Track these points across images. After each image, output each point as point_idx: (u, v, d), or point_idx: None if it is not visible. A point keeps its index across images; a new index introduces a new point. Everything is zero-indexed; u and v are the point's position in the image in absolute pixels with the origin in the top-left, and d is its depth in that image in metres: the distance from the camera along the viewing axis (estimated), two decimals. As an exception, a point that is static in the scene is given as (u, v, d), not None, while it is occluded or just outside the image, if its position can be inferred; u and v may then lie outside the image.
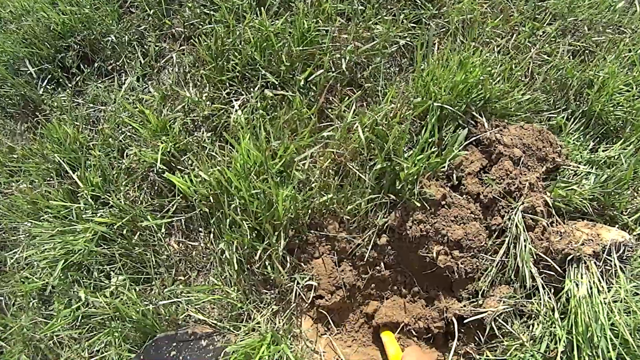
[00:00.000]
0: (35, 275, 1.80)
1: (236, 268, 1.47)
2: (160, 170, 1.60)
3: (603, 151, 1.64)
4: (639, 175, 1.63)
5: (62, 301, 1.75)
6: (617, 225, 1.57)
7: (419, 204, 1.41)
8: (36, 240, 1.78)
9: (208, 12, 1.80)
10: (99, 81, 1.93)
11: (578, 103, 1.68)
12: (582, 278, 1.38)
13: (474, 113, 1.53)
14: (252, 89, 1.62)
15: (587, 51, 1.76)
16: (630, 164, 1.56)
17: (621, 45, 1.77)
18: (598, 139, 1.69)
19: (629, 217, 1.56)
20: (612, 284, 1.41)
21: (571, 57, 1.73)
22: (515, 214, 1.45)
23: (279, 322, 1.52)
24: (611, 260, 1.42)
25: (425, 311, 1.55)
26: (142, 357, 1.51)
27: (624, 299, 1.38)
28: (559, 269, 1.41)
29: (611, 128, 1.68)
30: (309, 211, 1.48)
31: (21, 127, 2.07)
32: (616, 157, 1.60)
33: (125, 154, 1.72)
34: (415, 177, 1.45)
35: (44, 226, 1.77)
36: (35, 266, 1.82)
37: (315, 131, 1.53)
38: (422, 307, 1.57)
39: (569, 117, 1.68)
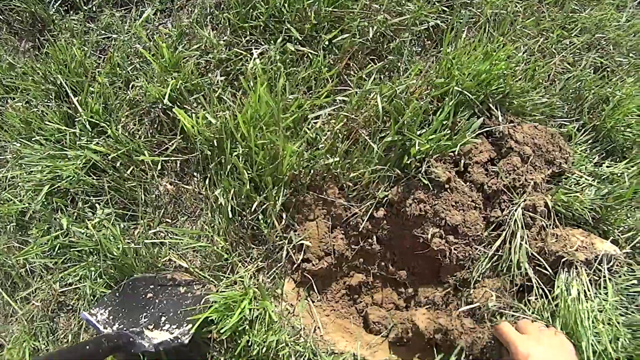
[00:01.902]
0: (17, 197, 1.74)
1: (230, 216, 1.43)
2: (166, 106, 1.55)
3: (607, 167, 1.65)
4: (636, 197, 1.65)
5: (41, 227, 1.70)
6: (609, 240, 1.59)
7: (425, 182, 1.39)
8: (24, 161, 1.71)
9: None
10: (115, 10, 1.86)
11: (591, 117, 1.69)
12: (573, 282, 1.39)
13: (491, 105, 1.52)
14: (273, 42, 1.58)
15: (608, 69, 1.77)
16: (633, 183, 1.57)
17: (643, 70, 1.79)
18: (604, 154, 1.70)
19: (622, 235, 1.57)
20: (598, 294, 1.43)
21: (592, 71, 1.74)
22: (516, 209, 1.45)
23: (262, 280, 1.49)
24: (601, 271, 1.43)
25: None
26: (117, 294, 1.47)
27: (608, 309, 1.39)
28: (549, 271, 1.42)
29: (618, 147, 1.69)
30: (311, 172, 1.46)
31: (25, 45, 1.99)
32: (619, 174, 1.61)
33: (131, 86, 1.67)
34: (424, 155, 1.43)
35: (35, 148, 1.71)
36: (18, 187, 1.75)
37: (332, 93, 1.50)
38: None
39: (580, 128, 1.68)
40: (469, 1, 1.71)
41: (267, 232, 1.44)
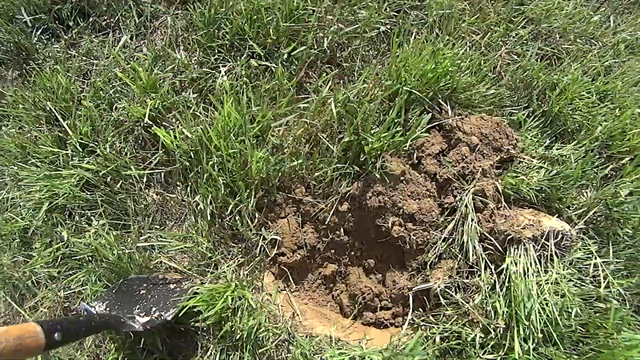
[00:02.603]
0: (19, 216, 1.91)
1: (209, 219, 1.59)
2: (147, 124, 1.71)
3: (557, 149, 1.78)
4: (586, 175, 1.78)
5: (43, 241, 1.87)
6: (562, 217, 1.72)
7: (379, 177, 1.54)
8: (23, 182, 1.88)
9: (205, -20, 1.90)
10: (93, 36, 2.02)
11: (540, 103, 1.82)
12: (519, 258, 1.53)
13: (440, 100, 1.66)
14: (239, 58, 1.73)
15: (555, 57, 1.89)
16: (579, 164, 1.70)
17: (589, 56, 1.91)
18: (554, 138, 1.83)
19: (574, 212, 1.71)
20: (548, 268, 1.56)
21: (539, 60, 1.86)
22: (467, 195, 1.59)
23: (243, 273, 1.65)
24: (548, 246, 1.57)
25: (379, 287, 1.69)
26: (114, 291, 1.63)
27: (556, 281, 1.53)
28: (500, 249, 1.56)
29: (568, 130, 1.82)
30: (279, 174, 1.61)
31: (12, 74, 2.16)
32: (567, 155, 1.74)
33: (114, 107, 1.83)
34: (379, 152, 1.58)
35: (32, 170, 1.87)
36: (19, 207, 1.93)
37: (292, 102, 1.65)
38: (377, 282, 1.72)
39: (530, 114, 1.81)
40: (418, 3, 1.85)
41: (242, 230, 1.60)
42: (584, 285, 1.59)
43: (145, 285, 1.65)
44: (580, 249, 1.66)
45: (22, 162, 1.91)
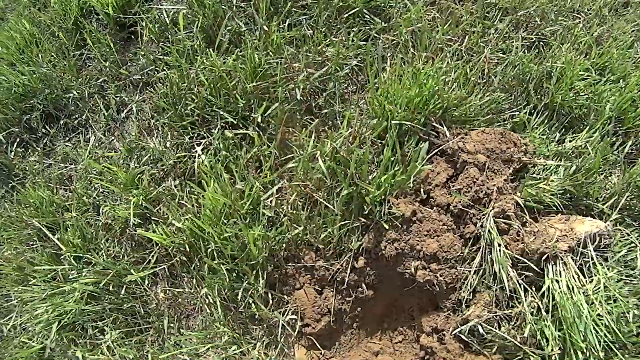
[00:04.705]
0: (32, 339, 1.83)
1: (218, 313, 1.49)
2: (135, 224, 1.62)
3: (570, 141, 1.64)
4: (608, 160, 1.63)
5: (61, 363, 1.78)
6: (593, 213, 1.58)
7: (386, 226, 1.42)
8: (28, 305, 1.80)
9: (161, 57, 1.81)
10: (67, 138, 1.95)
11: (539, 96, 1.68)
12: (560, 275, 1.39)
13: (434, 124, 1.54)
14: (213, 130, 1.63)
15: (541, 42, 1.76)
16: (598, 152, 1.56)
17: (576, 31, 1.76)
18: (564, 129, 1.68)
19: (604, 204, 1.56)
20: (594, 276, 1.42)
21: (526, 51, 1.73)
22: (487, 220, 1.45)
23: (271, 354, 1.54)
24: (588, 253, 1.42)
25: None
26: None
27: (605, 287, 1.38)
28: (536, 269, 1.42)
29: (575, 117, 1.68)
30: (284, 245, 1.50)
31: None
32: (583, 146, 1.60)
33: (101, 211, 1.74)
34: (382, 197, 1.46)
35: (34, 291, 1.80)
36: (31, 331, 1.85)
37: (279, 165, 1.54)
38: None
39: (532, 112, 1.68)
40: (385, 25, 1.73)
41: (258, 314, 1.49)
42: (635, 281, 1.44)
43: None
44: (620, 242, 1.52)
45: (24, 285, 1.83)
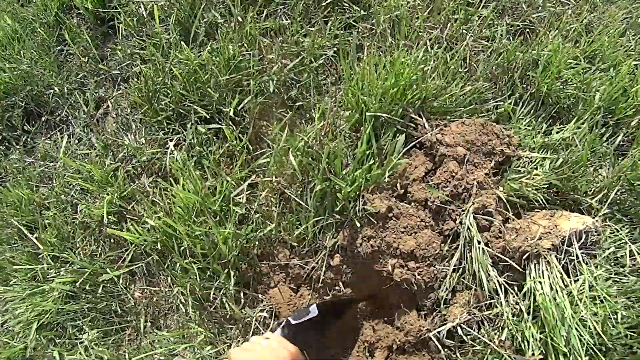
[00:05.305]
0: (14, 339, 1.82)
1: (192, 312, 1.46)
2: (108, 222, 1.59)
3: (557, 133, 1.57)
4: (597, 152, 1.56)
5: (42, 363, 1.77)
6: (582, 207, 1.51)
7: (359, 224, 1.37)
8: (9, 305, 1.80)
9: (138, 51, 1.78)
10: (48, 136, 1.93)
11: (525, 86, 1.61)
12: (542, 275, 1.32)
13: (412, 115, 1.48)
14: (187, 125, 1.59)
15: (528, 30, 1.68)
16: (586, 144, 1.49)
17: (565, 18, 1.68)
18: (551, 120, 1.61)
19: (592, 198, 1.49)
20: (579, 275, 1.35)
21: (511, 38, 1.65)
22: (467, 216, 1.39)
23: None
24: (573, 251, 1.35)
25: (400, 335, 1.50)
26: None
27: (591, 287, 1.32)
28: (519, 268, 1.35)
29: (563, 107, 1.60)
30: (257, 243, 1.46)
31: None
32: (570, 137, 1.53)
33: (78, 209, 1.72)
34: (356, 193, 1.40)
35: (15, 290, 1.79)
36: (12, 330, 1.84)
37: (251, 160, 1.50)
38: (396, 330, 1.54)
39: (517, 102, 1.60)
40: (364, 13, 1.67)
41: (231, 313, 1.45)
42: (624, 280, 1.37)
43: None
44: (609, 238, 1.44)
45: (5, 284, 1.83)
